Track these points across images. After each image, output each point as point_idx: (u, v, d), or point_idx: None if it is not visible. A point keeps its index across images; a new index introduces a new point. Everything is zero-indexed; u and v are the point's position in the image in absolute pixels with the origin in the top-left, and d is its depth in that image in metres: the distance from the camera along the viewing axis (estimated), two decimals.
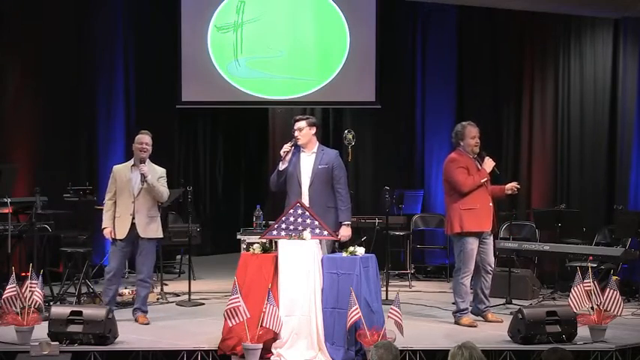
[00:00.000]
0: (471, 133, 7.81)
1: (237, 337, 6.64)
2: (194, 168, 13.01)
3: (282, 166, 7.39)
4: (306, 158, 7.42)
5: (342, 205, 7.35)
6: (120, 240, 7.72)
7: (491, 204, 7.79)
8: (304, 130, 7.38)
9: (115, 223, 7.74)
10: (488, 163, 7.78)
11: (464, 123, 7.91)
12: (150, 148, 7.78)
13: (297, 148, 7.44)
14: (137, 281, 7.86)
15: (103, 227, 7.80)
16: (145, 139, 7.80)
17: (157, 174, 7.79)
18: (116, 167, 7.94)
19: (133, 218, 7.68)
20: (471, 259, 7.74)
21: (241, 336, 6.58)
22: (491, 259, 7.88)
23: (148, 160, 7.81)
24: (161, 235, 7.92)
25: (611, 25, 10.48)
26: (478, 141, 7.82)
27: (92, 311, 6.84)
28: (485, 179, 7.78)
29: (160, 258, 9.91)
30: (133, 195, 7.71)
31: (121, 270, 7.92)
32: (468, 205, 7.72)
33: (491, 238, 7.90)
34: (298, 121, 7.43)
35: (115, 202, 7.76)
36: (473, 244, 7.72)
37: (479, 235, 7.75)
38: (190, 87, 11.02)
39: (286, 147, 7.38)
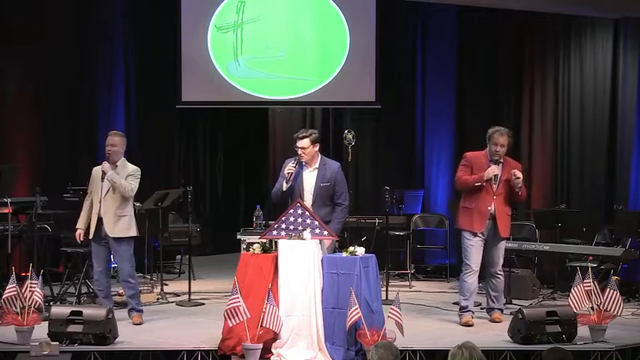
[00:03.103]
0: (495, 139, 7.81)
1: (237, 337, 6.64)
2: (194, 168, 13.00)
3: (285, 187, 7.32)
4: (308, 175, 7.36)
5: (336, 218, 7.34)
6: (92, 240, 7.70)
7: (490, 207, 7.78)
8: (308, 149, 7.29)
9: (89, 223, 7.72)
10: (490, 170, 7.76)
11: (496, 128, 7.90)
12: (116, 149, 7.72)
13: (300, 164, 7.37)
14: (121, 282, 7.88)
15: (75, 227, 7.77)
16: (111, 140, 7.77)
17: (126, 172, 7.75)
18: (94, 168, 7.86)
19: (100, 218, 7.65)
20: (470, 256, 7.81)
21: (241, 336, 6.58)
22: (496, 264, 7.87)
23: (123, 159, 7.78)
24: (133, 234, 7.77)
25: (611, 25, 10.48)
26: (499, 149, 7.77)
27: (92, 311, 6.85)
28: (479, 183, 7.77)
29: (160, 258, 9.94)
30: (100, 194, 7.69)
31: (104, 268, 7.79)
32: (466, 203, 7.94)
33: (502, 243, 7.88)
34: (301, 139, 7.31)
35: (92, 203, 7.75)
36: (470, 240, 7.83)
37: (476, 234, 7.80)
38: (190, 87, 11.01)
39: (291, 167, 7.29)
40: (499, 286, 7.92)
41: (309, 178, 7.36)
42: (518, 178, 7.75)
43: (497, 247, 7.87)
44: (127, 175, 7.72)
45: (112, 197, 7.67)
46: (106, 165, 7.66)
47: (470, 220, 7.86)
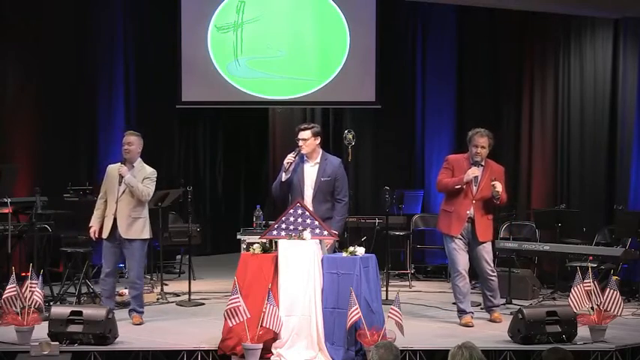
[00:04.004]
0: (475, 141, 7.82)
1: (237, 337, 6.64)
2: (194, 168, 13.00)
3: (284, 177, 7.32)
4: (309, 169, 7.36)
5: (338, 215, 7.34)
6: (106, 240, 7.71)
7: (469, 211, 7.77)
8: (309, 141, 7.30)
9: (104, 223, 7.73)
10: (469, 172, 7.74)
11: (476, 129, 7.90)
12: (133, 147, 7.72)
13: (301, 157, 7.38)
14: (127, 283, 7.90)
15: (89, 226, 7.79)
16: (127, 139, 7.78)
17: (144, 174, 7.75)
18: (109, 167, 7.90)
19: (116, 218, 7.65)
20: (455, 259, 7.80)
21: (241, 336, 6.58)
22: (484, 266, 7.84)
23: (139, 159, 7.79)
24: (146, 237, 7.77)
25: (611, 25, 10.47)
26: (479, 151, 7.77)
27: (92, 311, 6.85)
28: (459, 186, 7.75)
29: (160, 258, 9.94)
30: (117, 195, 7.69)
31: (113, 269, 7.80)
32: (445, 206, 7.96)
33: (484, 246, 7.84)
34: (303, 130, 7.33)
35: (106, 202, 7.77)
36: (451, 244, 7.83)
37: (456, 237, 7.78)
38: (190, 87, 11.02)
39: (290, 158, 7.30)
40: (494, 285, 7.90)
41: (310, 173, 7.35)
42: (498, 190, 7.74)
43: (479, 250, 7.83)
44: (145, 177, 7.73)
45: (127, 199, 7.67)
46: (123, 169, 7.67)
47: (448, 223, 7.85)
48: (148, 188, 7.71)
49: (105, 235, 7.69)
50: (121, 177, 7.63)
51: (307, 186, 7.33)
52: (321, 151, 7.44)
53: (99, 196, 7.85)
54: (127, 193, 7.67)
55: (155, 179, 7.81)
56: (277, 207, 7.89)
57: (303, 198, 7.29)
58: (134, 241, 7.68)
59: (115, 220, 7.64)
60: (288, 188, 7.37)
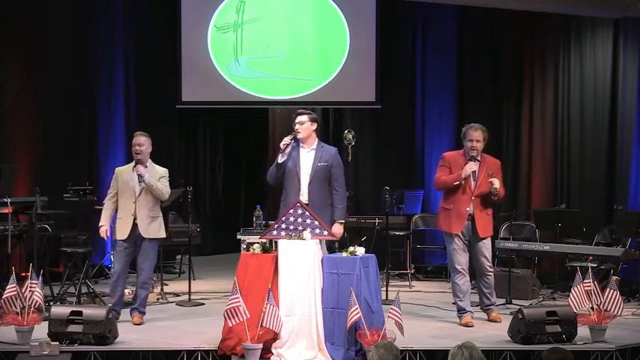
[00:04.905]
0: (469, 135, 7.82)
1: (237, 337, 6.64)
2: (194, 168, 13.01)
3: (281, 159, 7.32)
4: (306, 155, 7.37)
5: (338, 204, 7.33)
6: (122, 241, 7.71)
7: (468, 208, 7.76)
8: (305, 125, 7.31)
9: (116, 225, 7.74)
10: (467, 167, 7.73)
11: (469, 124, 7.90)
12: (143, 148, 7.74)
13: (297, 143, 7.37)
14: (137, 282, 7.84)
15: (99, 225, 7.79)
16: (137, 140, 7.79)
17: (157, 174, 7.78)
18: (118, 169, 7.93)
19: (135, 219, 7.65)
20: (455, 259, 7.80)
21: (241, 336, 6.58)
22: (483, 262, 7.84)
23: (149, 160, 7.81)
24: (163, 235, 7.85)
25: (611, 25, 10.48)
26: (475, 145, 7.76)
27: (92, 311, 6.84)
28: (457, 182, 7.75)
29: (160, 258, 9.93)
30: (134, 195, 7.69)
31: (125, 272, 7.81)
32: (444, 204, 7.94)
33: (484, 242, 7.84)
34: (300, 114, 7.37)
35: (116, 203, 7.77)
36: (452, 243, 7.83)
37: (456, 235, 7.78)
38: (190, 87, 11.02)
39: (286, 140, 7.30)
40: (490, 281, 7.90)
41: (307, 158, 7.35)
42: (496, 187, 7.74)
43: (479, 246, 7.83)
44: (159, 177, 7.77)
45: (146, 199, 7.70)
46: (141, 168, 7.69)
47: (448, 221, 7.85)
48: (166, 187, 7.78)
49: (123, 236, 7.67)
50: (140, 177, 7.66)
51: (304, 172, 7.32)
52: (317, 138, 7.45)
53: (107, 197, 7.85)
54: (145, 193, 7.69)
55: (168, 177, 7.86)
56: (277, 209, 7.85)
57: (299, 183, 7.29)
58: (152, 241, 7.73)
59: (134, 220, 7.65)
60: (283, 173, 7.36)
